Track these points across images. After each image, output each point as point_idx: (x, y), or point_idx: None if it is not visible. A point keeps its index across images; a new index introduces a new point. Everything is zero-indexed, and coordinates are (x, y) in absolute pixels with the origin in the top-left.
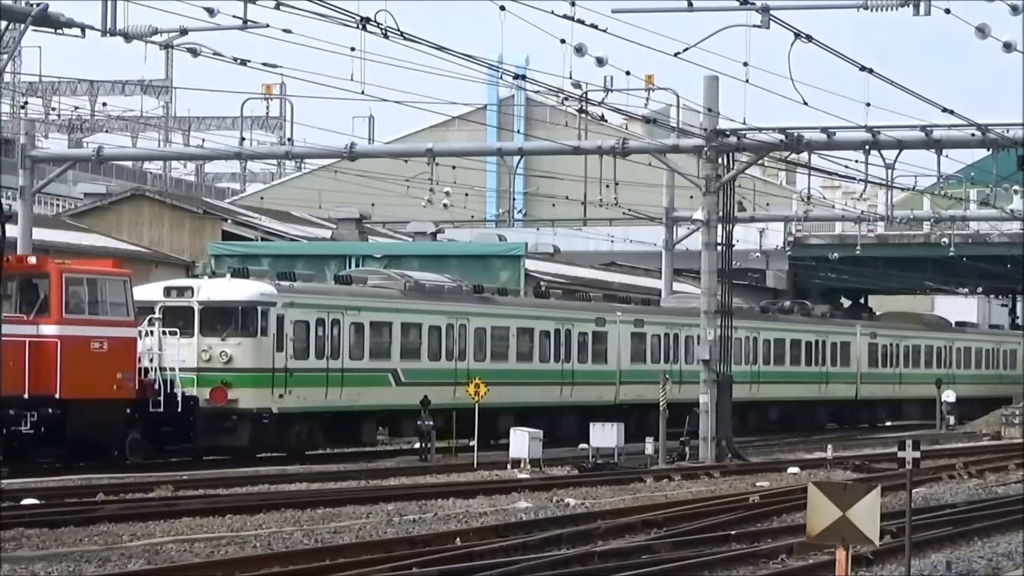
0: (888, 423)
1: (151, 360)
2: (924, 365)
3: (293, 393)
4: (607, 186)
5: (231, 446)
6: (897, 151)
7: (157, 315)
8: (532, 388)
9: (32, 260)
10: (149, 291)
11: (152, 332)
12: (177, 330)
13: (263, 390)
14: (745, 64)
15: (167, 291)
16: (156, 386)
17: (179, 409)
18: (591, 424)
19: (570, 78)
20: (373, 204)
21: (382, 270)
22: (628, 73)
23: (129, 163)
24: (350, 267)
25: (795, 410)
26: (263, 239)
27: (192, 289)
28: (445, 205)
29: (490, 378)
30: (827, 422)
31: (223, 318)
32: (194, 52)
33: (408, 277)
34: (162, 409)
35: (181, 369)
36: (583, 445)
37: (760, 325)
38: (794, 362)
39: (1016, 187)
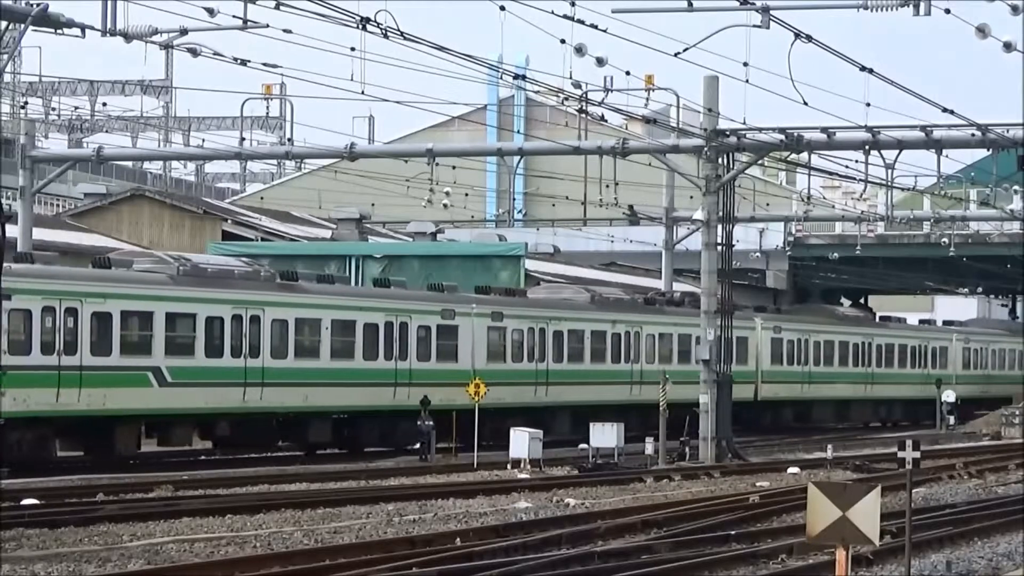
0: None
1: None
2: (839, 363)
3: (8, 395)
4: (607, 186)
5: None
6: (897, 151)
7: None
8: (354, 390)
9: None
10: None
11: None
12: None
13: None
14: (745, 64)
15: None
16: None
17: None
18: (591, 424)
19: (570, 78)
20: (373, 204)
21: (154, 251)
22: (628, 73)
23: (129, 163)
24: (350, 267)
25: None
26: (263, 239)
27: None
28: (445, 205)
29: (290, 379)
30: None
31: None
32: (194, 52)
33: (186, 260)
34: None
35: None
36: (583, 445)
37: (644, 319)
38: (682, 359)
39: (1016, 187)
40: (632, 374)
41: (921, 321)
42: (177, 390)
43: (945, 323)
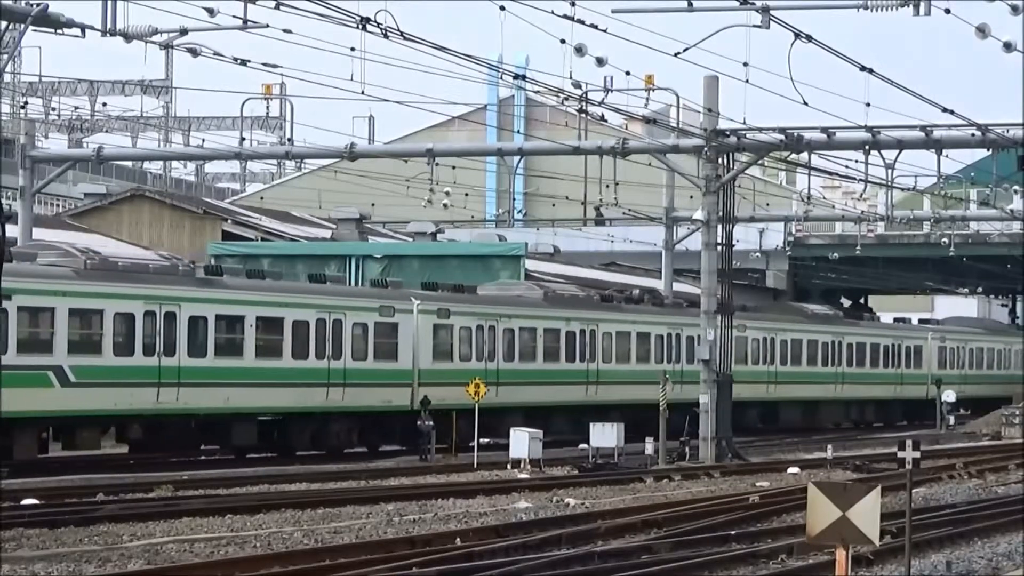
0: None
1: None
2: (807, 363)
3: None
4: (607, 186)
5: None
6: (897, 151)
7: None
8: (282, 390)
9: None
10: None
11: None
12: None
13: None
14: (745, 64)
15: None
16: None
17: None
18: (591, 424)
19: (570, 78)
20: (373, 204)
21: (60, 244)
22: (628, 73)
23: (129, 163)
24: (350, 267)
25: (640, 415)
26: (263, 239)
27: None
28: (445, 205)
29: (210, 378)
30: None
31: None
32: (194, 52)
33: (94, 254)
34: None
35: None
36: (583, 445)
37: (600, 317)
38: (641, 359)
39: (1016, 187)
40: (588, 374)
41: (896, 319)
42: (82, 391)
43: (921, 321)
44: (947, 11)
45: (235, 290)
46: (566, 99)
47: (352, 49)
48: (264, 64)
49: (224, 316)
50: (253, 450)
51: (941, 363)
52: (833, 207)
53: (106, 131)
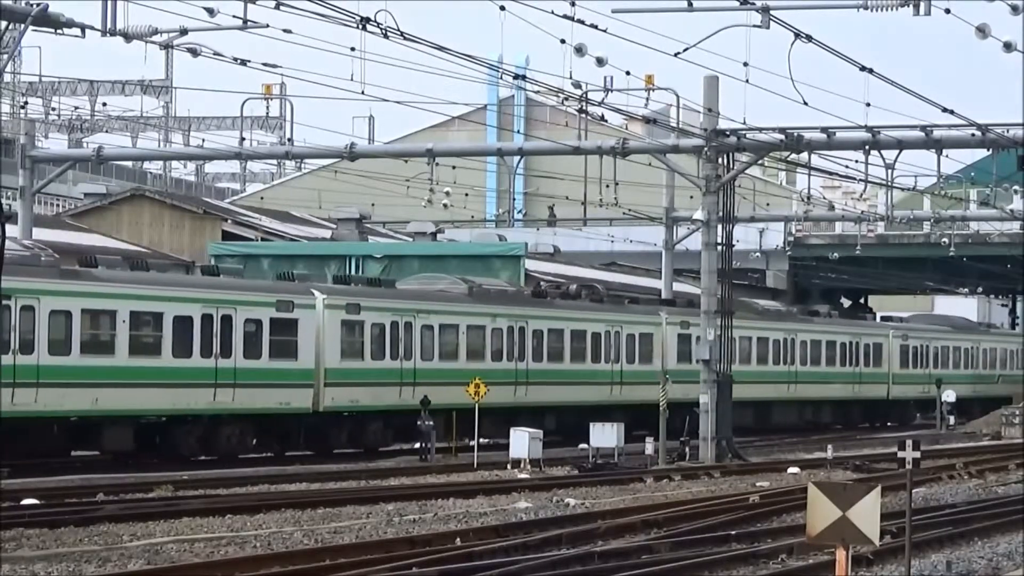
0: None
1: None
2: (758, 362)
3: None
4: (607, 186)
5: None
6: (897, 151)
7: None
8: (161, 391)
9: None
10: None
11: None
12: None
13: None
14: (745, 64)
15: None
16: None
17: None
18: (591, 424)
19: (570, 78)
20: (373, 204)
21: None
22: (628, 73)
23: (129, 163)
24: (350, 267)
25: (574, 417)
26: (263, 239)
27: None
28: (445, 205)
29: (75, 378)
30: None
31: None
32: (194, 52)
33: None
34: None
35: None
36: (583, 445)
37: (530, 313)
38: (576, 358)
39: (1016, 187)
40: (516, 374)
41: (857, 316)
42: None
43: (883, 319)
44: (947, 11)
45: (105, 283)
46: (566, 99)
47: (352, 49)
48: (264, 64)
49: (92, 311)
50: (132, 455)
51: (903, 362)
52: (833, 207)
53: (106, 131)
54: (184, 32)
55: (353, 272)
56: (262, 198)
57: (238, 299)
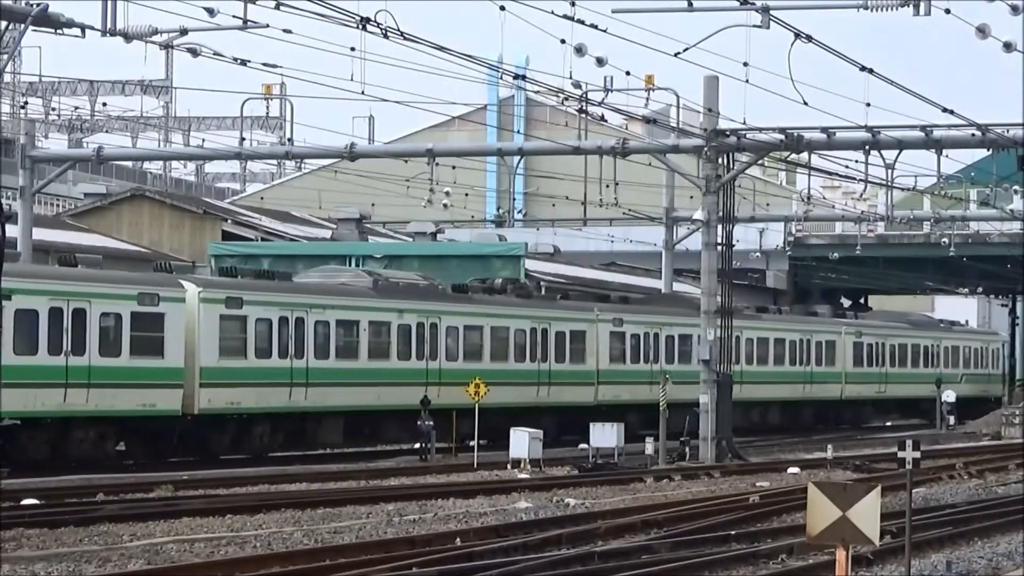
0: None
1: None
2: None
3: None
4: (607, 186)
5: None
6: (897, 151)
7: None
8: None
9: None
10: None
11: None
12: None
13: None
14: (745, 64)
15: None
16: None
17: None
18: (591, 424)
19: (570, 78)
20: (373, 204)
21: None
22: (628, 73)
23: (129, 163)
24: (350, 267)
25: (493, 420)
26: (263, 239)
27: None
28: (445, 205)
29: None
30: (559, 435)
31: None
32: (194, 52)
33: None
34: None
35: None
36: (583, 445)
37: (444, 309)
38: (496, 357)
39: (1016, 187)
40: (427, 374)
41: (808, 312)
42: None
43: (835, 315)
44: (947, 11)
45: None
46: (566, 99)
47: (352, 49)
48: (264, 64)
49: None
50: None
51: (857, 360)
52: (833, 207)
53: (106, 131)
54: (184, 32)
55: None
56: (262, 198)
57: (91, 291)
